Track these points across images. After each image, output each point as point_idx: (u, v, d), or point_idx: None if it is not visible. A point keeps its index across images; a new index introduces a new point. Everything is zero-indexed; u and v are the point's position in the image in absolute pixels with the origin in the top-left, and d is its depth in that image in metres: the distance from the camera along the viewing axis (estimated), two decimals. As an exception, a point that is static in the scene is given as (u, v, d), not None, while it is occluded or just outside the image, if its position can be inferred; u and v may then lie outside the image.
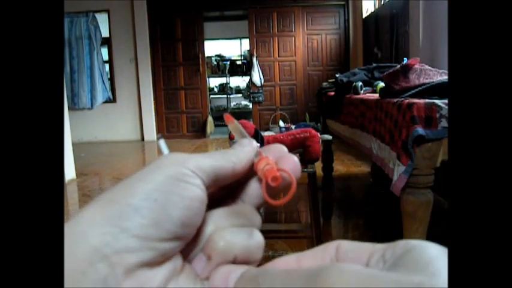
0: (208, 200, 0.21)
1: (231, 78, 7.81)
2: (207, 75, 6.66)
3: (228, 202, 0.25)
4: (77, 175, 3.89)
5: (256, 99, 6.44)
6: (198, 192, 0.20)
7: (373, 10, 5.36)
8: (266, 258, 0.18)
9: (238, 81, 8.47)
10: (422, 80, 1.51)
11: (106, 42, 6.36)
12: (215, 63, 7.85)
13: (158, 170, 0.20)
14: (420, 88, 1.48)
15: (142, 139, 6.45)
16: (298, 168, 0.23)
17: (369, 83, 2.34)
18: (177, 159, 0.21)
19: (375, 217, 2.46)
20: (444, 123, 1.27)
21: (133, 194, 0.19)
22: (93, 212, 0.18)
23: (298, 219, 2.53)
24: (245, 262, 0.21)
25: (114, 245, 0.17)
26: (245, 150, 0.24)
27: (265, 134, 1.78)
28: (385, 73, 1.70)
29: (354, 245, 0.18)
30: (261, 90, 6.40)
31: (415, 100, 1.35)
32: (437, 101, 1.29)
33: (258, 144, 0.25)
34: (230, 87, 7.95)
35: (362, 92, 2.23)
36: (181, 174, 0.20)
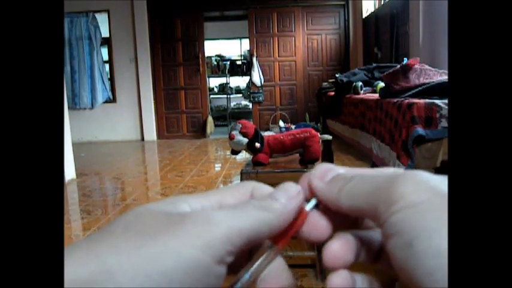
0: None
1: (231, 78, 7.81)
2: (207, 75, 6.66)
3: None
4: (77, 175, 3.89)
5: (256, 99, 6.44)
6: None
7: (373, 10, 5.36)
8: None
9: (238, 81, 8.47)
10: (422, 80, 1.51)
11: (106, 42, 6.36)
12: (215, 63, 7.85)
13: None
14: (420, 88, 1.48)
15: (142, 139, 6.46)
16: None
17: (369, 83, 2.34)
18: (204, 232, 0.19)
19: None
20: (444, 123, 1.27)
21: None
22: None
23: (298, 219, 2.53)
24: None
25: None
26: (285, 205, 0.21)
27: (265, 134, 1.78)
28: (385, 73, 1.70)
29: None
30: (261, 90, 6.40)
31: (415, 100, 1.35)
32: (437, 101, 1.29)
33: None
34: (230, 87, 7.94)
35: (362, 92, 2.23)
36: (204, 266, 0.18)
